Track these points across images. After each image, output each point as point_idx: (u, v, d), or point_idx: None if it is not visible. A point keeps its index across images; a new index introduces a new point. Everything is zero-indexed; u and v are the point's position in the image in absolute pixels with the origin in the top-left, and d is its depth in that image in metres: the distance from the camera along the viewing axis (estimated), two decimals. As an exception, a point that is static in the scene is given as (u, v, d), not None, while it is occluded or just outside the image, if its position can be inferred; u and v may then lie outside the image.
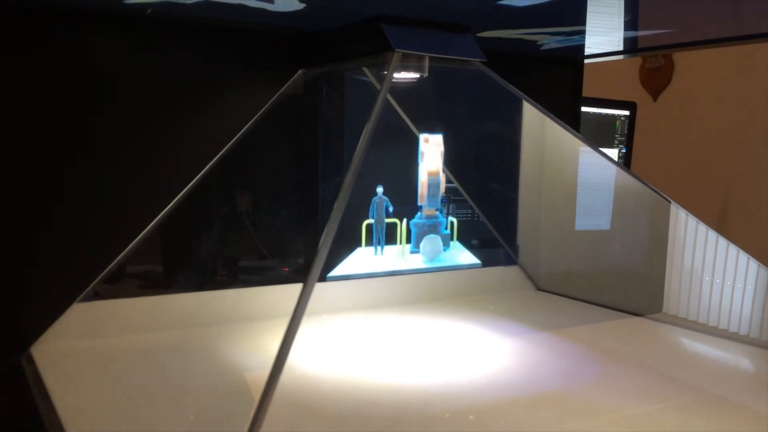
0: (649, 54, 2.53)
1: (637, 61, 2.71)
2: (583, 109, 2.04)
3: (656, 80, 2.70)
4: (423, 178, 1.01)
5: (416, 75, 0.95)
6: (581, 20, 0.98)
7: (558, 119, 1.02)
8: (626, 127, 2.15)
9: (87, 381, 0.82)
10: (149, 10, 0.89)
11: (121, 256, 0.96)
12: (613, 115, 2.11)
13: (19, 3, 0.86)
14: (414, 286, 1.16)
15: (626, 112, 2.13)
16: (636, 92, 2.73)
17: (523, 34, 1.07)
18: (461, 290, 1.21)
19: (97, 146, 0.95)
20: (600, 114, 2.09)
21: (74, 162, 0.93)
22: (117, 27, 0.94)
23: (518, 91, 0.97)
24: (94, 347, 0.92)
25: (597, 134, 2.09)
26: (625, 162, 2.17)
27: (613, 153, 2.14)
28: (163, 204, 0.98)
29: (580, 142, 1.17)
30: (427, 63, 0.93)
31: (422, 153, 1.00)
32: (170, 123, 0.99)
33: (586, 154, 1.29)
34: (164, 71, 0.98)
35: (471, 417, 0.71)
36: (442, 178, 1.04)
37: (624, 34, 1.12)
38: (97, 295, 0.95)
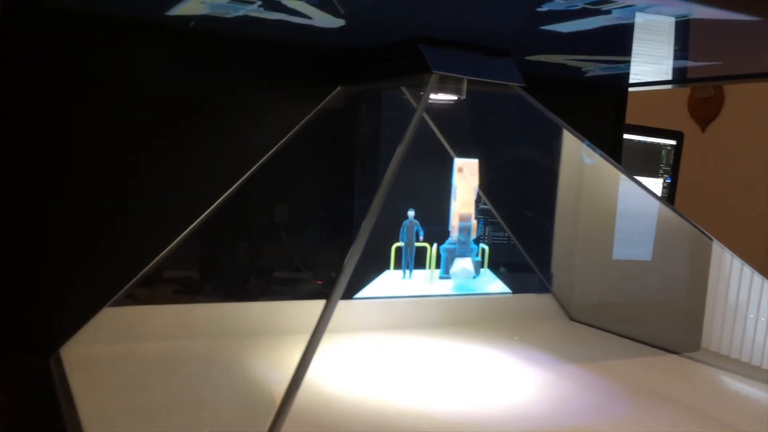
0: (698, 85, 2.48)
1: (685, 90, 2.66)
2: (629, 136, 2.00)
3: (705, 111, 2.64)
4: (455, 217, 1.00)
5: (454, 97, 0.94)
6: (627, 49, 0.96)
7: (597, 149, 1.00)
8: (672, 157, 2.11)
9: (111, 385, 0.83)
10: (192, 23, 0.91)
11: (153, 262, 0.97)
12: (659, 144, 2.06)
13: (64, 11, 0.88)
14: (442, 310, 1.15)
15: (673, 142, 2.08)
16: (684, 122, 2.67)
17: (567, 60, 1.06)
18: (491, 316, 1.19)
19: (136, 153, 0.96)
20: (645, 142, 2.06)
21: (112, 168, 0.95)
22: (160, 38, 0.95)
23: (557, 117, 0.95)
24: (122, 352, 0.93)
25: (641, 163, 2.05)
26: (670, 192, 2.12)
27: (658, 183, 2.09)
28: (199, 214, 0.99)
29: (614, 171, 1.14)
30: (465, 85, 0.92)
31: (455, 187, 0.99)
32: (209, 134, 1.00)
33: (626, 184, 1.26)
34: (204, 83, 0.99)
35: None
36: (474, 223, 1.02)
37: (673, 64, 1.09)
38: (127, 301, 0.96)
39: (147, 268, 0.96)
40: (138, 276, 0.96)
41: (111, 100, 0.94)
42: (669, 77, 1.23)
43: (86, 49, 0.91)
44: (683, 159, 2.08)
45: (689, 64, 1.09)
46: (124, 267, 0.96)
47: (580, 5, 0.72)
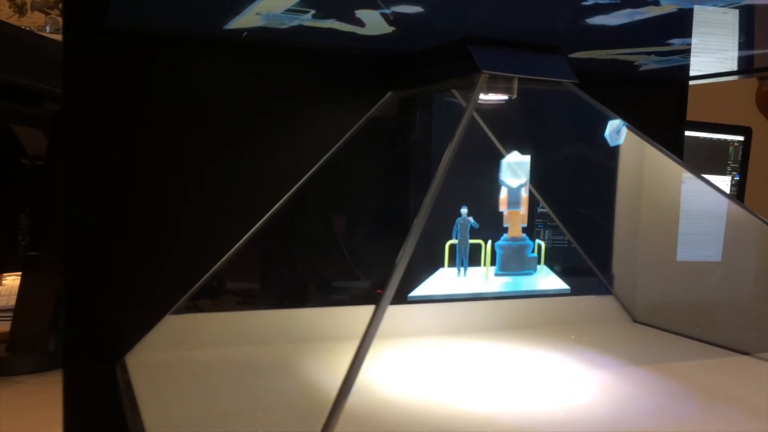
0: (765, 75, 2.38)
1: (753, 83, 2.56)
2: (694, 133, 1.94)
3: (775, 104, 2.54)
4: (503, 204, 0.99)
5: (504, 97, 0.93)
6: (684, 40, 0.93)
7: (656, 143, 0.98)
8: (740, 153, 2.04)
9: (173, 391, 0.85)
10: (245, 34, 0.93)
11: (212, 270, 0.99)
12: (726, 141, 2.00)
13: (125, 30, 0.91)
14: (499, 312, 1.14)
15: (740, 138, 2.01)
16: (752, 117, 2.58)
17: (618, 55, 1.03)
18: (550, 319, 1.17)
19: (195, 166, 0.99)
20: (712, 139, 1.99)
21: (172, 182, 0.98)
22: (215, 51, 0.98)
23: (612, 113, 0.93)
24: (184, 358, 0.95)
25: (708, 160, 1.99)
26: (739, 190, 2.05)
27: (726, 180, 2.03)
28: (255, 223, 1.01)
29: (682, 168, 1.11)
30: (516, 84, 0.91)
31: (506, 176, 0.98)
32: (263, 146, 1.02)
33: (689, 181, 1.22)
34: (255, 94, 1.01)
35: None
36: (524, 211, 1.01)
37: (738, 54, 1.05)
38: (188, 309, 0.98)
39: (206, 276, 0.99)
40: (198, 284, 0.98)
41: (169, 115, 0.97)
42: (734, 68, 1.18)
43: (146, 65, 0.94)
44: (752, 155, 2.01)
45: (755, 52, 1.04)
46: (186, 276, 0.98)
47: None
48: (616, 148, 1.10)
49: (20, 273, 1.23)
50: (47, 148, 1.31)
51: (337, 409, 0.55)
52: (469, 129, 0.84)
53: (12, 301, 1.29)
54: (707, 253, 1.32)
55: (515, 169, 0.97)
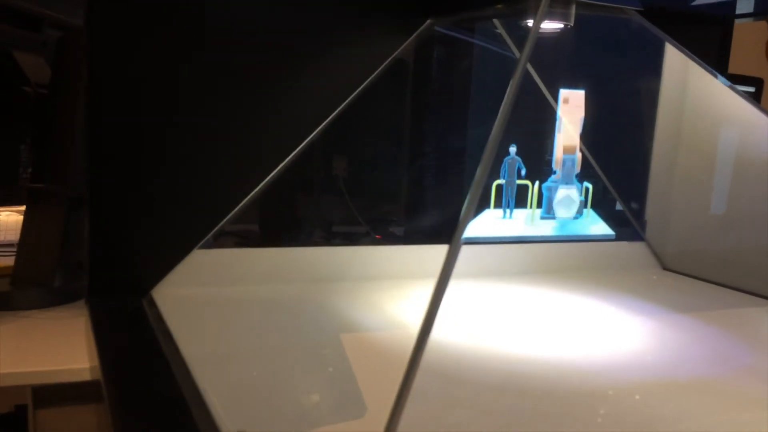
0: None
1: (762, 34, 2.51)
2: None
3: (785, 56, 2.49)
4: (559, 149, 0.93)
5: (560, 25, 0.87)
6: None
7: (720, 75, 0.93)
8: (751, 105, 2.00)
9: (207, 325, 0.82)
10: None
11: (240, 205, 0.94)
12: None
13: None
14: (538, 256, 1.10)
15: (751, 89, 1.97)
16: (761, 67, 2.54)
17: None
18: (582, 264, 1.14)
19: (223, 99, 0.92)
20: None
21: (198, 115, 0.91)
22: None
23: (676, 42, 0.88)
24: (212, 293, 0.91)
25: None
26: (748, 142, 2.01)
27: (735, 132, 1.99)
28: (288, 155, 0.95)
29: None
30: (573, 11, 0.85)
31: (560, 119, 0.93)
32: (298, 74, 0.96)
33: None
34: (290, 22, 0.94)
35: (636, 397, 0.64)
36: (578, 155, 0.96)
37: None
38: (216, 243, 0.94)
39: (236, 209, 0.93)
40: (226, 218, 0.93)
41: (190, 42, 0.89)
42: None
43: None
44: (763, 106, 1.98)
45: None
46: (213, 210, 0.93)
47: None
48: (657, 92, 1.05)
49: (23, 207, 1.16)
50: (51, 75, 1.22)
51: (418, 355, 0.51)
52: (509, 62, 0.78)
53: (6, 237, 1.22)
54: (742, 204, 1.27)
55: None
